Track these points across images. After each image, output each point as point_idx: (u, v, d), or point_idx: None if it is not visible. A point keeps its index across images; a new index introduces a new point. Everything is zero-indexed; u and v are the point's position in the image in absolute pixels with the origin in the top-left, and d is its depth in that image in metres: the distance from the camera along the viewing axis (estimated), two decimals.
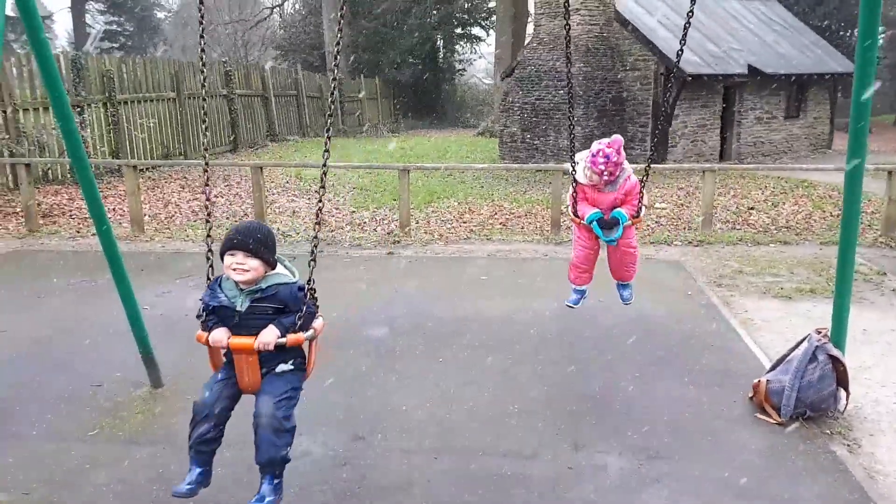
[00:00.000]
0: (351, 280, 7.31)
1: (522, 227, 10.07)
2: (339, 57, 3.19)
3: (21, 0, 3.54)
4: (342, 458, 3.85)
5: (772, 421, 4.22)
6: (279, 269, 2.99)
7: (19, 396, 4.58)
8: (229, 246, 2.84)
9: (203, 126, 3.45)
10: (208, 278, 3.05)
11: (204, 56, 3.36)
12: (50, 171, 12.64)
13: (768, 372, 4.51)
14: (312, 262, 3.03)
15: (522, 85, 15.94)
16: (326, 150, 3.16)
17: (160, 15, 43.28)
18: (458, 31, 34.12)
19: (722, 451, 3.93)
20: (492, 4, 31.21)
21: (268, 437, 2.83)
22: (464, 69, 36.79)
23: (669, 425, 4.19)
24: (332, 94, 3.26)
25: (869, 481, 3.64)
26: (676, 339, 5.58)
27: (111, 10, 38.73)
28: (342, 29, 3.32)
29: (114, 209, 10.98)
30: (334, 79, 3.26)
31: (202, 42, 3.31)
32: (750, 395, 4.50)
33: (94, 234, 8.03)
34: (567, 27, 4.15)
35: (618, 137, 4.33)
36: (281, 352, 2.89)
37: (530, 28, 21.80)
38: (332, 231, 9.77)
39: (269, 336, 2.82)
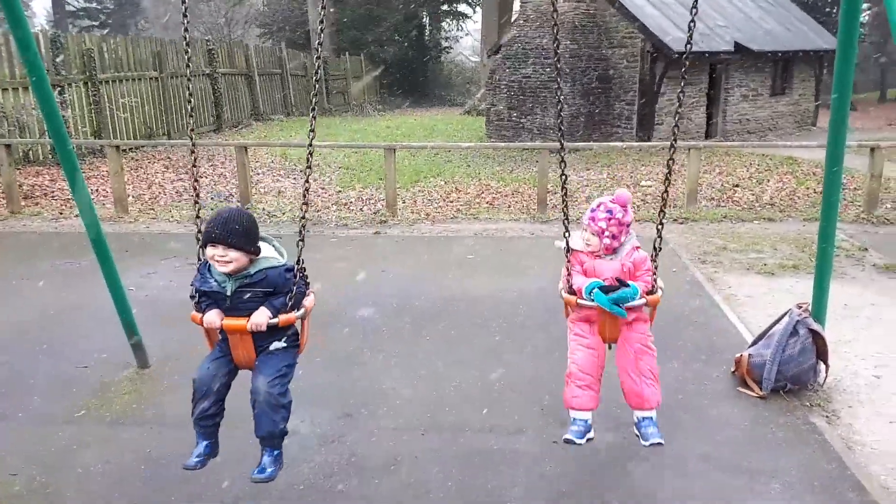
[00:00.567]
0: (337, 260, 7.30)
1: (509, 206, 10.08)
2: (322, 35, 3.16)
3: None
4: (330, 436, 3.88)
5: (753, 394, 4.29)
6: (266, 250, 3.00)
7: (4, 379, 4.57)
8: (207, 240, 2.86)
9: (189, 107, 3.41)
10: (199, 259, 3.06)
11: (188, 36, 3.26)
12: (31, 152, 12.46)
13: (750, 346, 4.58)
14: (301, 243, 3.04)
15: (509, 63, 15.86)
16: (312, 130, 3.13)
17: None
18: (445, 7, 33.86)
19: (705, 425, 3.99)
20: None
21: (266, 413, 2.91)
22: (450, 47, 36.54)
23: None
24: (317, 73, 3.18)
25: (847, 452, 3.73)
26: (660, 316, 5.58)
27: None
28: (326, 6, 3.28)
29: (97, 190, 10.87)
30: (318, 57, 3.16)
31: (185, 21, 3.23)
32: (732, 369, 4.57)
33: (76, 216, 7.95)
34: (554, 3, 4.02)
35: (625, 193, 3.42)
36: (274, 331, 2.94)
37: (517, 5, 21.63)
38: (318, 211, 9.73)
39: (261, 317, 2.88)
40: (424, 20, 33.20)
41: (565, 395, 3.37)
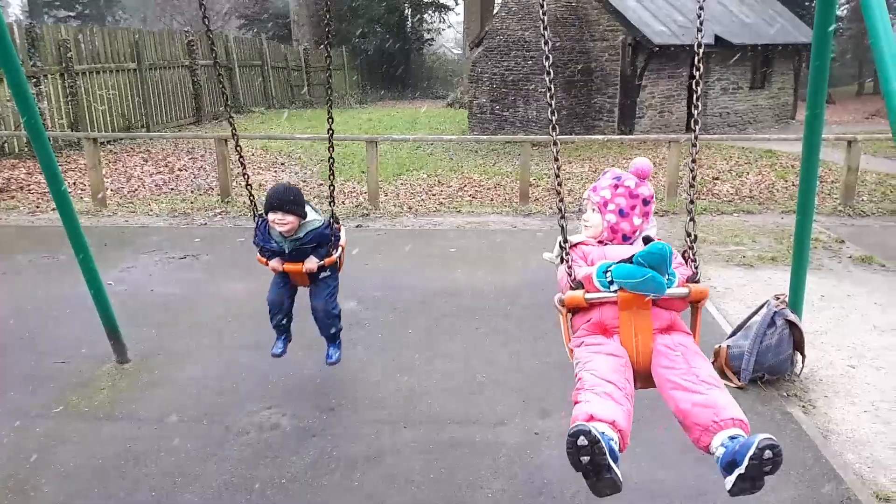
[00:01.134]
0: None
1: (492, 199, 10.09)
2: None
3: None
4: (312, 429, 3.88)
5: (732, 385, 4.34)
6: (310, 214, 3.87)
7: None
8: (269, 207, 3.72)
9: (225, 95, 4.10)
10: (254, 216, 3.99)
11: (208, 23, 3.95)
12: (6, 145, 12.26)
13: (729, 337, 4.63)
14: (332, 204, 4.12)
15: (491, 55, 15.85)
16: (330, 117, 4.01)
17: None
18: None
19: None
20: None
21: (325, 322, 4.08)
22: (432, 39, 36.37)
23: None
24: (327, 67, 3.93)
25: (822, 440, 3.79)
26: None
27: None
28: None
29: (74, 183, 10.73)
30: (328, 55, 3.86)
31: (203, 10, 3.89)
32: (711, 360, 4.62)
33: (53, 209, 7.84)
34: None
35: (645, 162, 2.66)
36: (321, 268, 3.94)
37: None
38: None
39: (312, 263, 3.89)
40: (406, 12, 33.01)
41: (574, 412, 2.29)
